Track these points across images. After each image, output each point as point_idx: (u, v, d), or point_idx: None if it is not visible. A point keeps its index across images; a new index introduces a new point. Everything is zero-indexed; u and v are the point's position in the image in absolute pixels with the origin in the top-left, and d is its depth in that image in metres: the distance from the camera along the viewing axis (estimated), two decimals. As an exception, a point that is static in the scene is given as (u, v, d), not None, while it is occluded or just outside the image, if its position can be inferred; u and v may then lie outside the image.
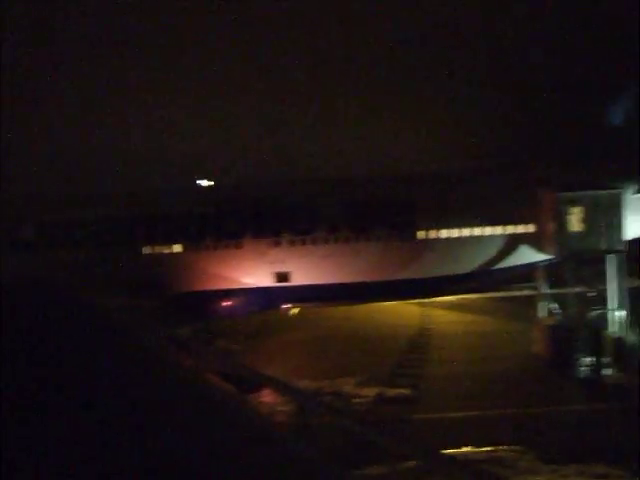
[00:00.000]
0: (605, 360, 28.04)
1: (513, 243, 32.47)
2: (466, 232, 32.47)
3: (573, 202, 30.53)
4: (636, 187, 32.21)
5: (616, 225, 30.54)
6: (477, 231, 32.46)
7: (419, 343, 34.06)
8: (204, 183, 39.71)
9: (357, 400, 25.72)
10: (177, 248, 33.82)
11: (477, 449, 19.92)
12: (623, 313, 31.11)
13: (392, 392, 26.52)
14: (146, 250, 34.14)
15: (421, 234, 32.51)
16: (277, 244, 32.56)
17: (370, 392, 26.42)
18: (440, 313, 39.09)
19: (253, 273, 32.90)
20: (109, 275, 31.37)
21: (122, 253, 33.55)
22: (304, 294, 32.46)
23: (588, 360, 28.11)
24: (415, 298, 35.84)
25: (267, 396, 22.05)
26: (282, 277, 32.56)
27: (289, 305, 33.70)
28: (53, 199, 41.11)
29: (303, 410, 9.43)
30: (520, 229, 32.56)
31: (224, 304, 33.27)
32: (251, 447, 5.88)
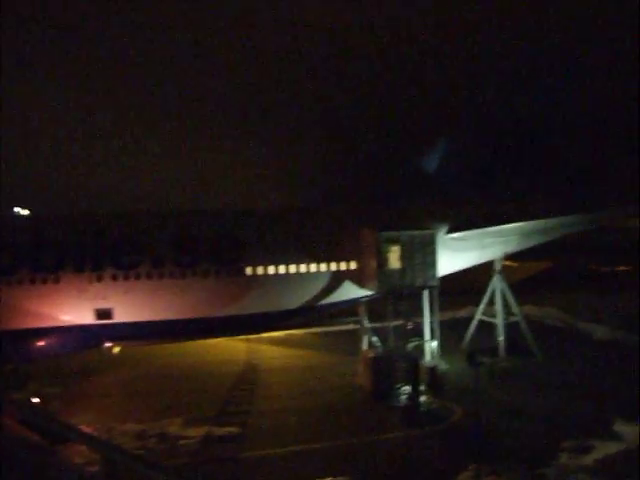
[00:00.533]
0: (421, 388, 32.30)
1: (337, 279, 36.42)
2: (292, 268, 35.73)
3: (392, 241, 35.37)
4: (447, 228, 39.30)
5: (431, 262, 35.92)
6: (303, 268, 35.86)
7: (246, 379, 35.92)
8: (21, 212, 40.57)
9: (183, 441, 26.71)
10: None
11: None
12: (435, 343, 37.55)
13: (220, 431, 27.78)
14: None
15: (248, 270, 35.17)
16: (99, 278, 33.47)
17: (197, 432, 27.67)
18: (266, 348, 41.66)
19: (72, 310, 33.36)
20: None
21: None
22: (128, 331, 33.52)
23: (407, 389, 32.10)
24: (242, 334, 38.58)
25: (80, 446, 23.42)
26: (104, 314, 33.37)
27: (111, 343, 34.48)
28: None
29: (114, 463, 10.16)
30: (344, 266, 36.72)
31: (39, 344, 33.25)
32: None
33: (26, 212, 40.20)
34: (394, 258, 35.54)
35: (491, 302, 40.37)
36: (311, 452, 25.75)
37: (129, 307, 34.02)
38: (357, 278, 36.85)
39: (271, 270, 35.71)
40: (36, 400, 31.11)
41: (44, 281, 33.72)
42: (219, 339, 39.58)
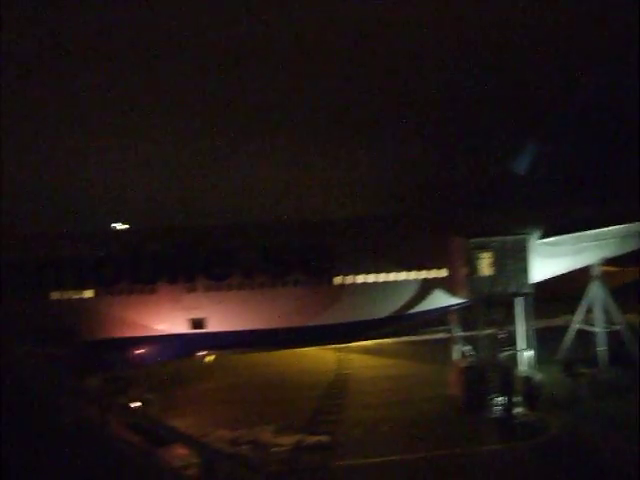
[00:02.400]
0: (516, 399, 31.95)
1: (427, 287, 36.73)
2: (382, 277, 36.45)
3: (483, 247, 35.39)
4: (539, 233, 38.50)
5: (523, 269, 35.51)
6: (392, 276, 36.58)
7: (337, 388, 37.18)
8: (119, 226, 43.37)
9: (275, 449, 27.84)
10: (88, 293, 36.09)
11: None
12: (531, 353, 36.66)
13: (311, 439, 28.79)
14: (55, 295, 36.91)
15: (337, 279, 36.09)
16: (192, 290, 35.38)
17: (288, 440, 28.71)
18: (357, 357, 42.52)
19: (168, 319, 35.47)
20: (17, 321, 33.24)
21: (31, 298, 36.06)
22: (220, 341, 35.29)
23: (500, 400, 31.98)
24: (332, 343, 39.54)
25: (179, 449, 24.88)
26: (197, 323, 35.26)
27: (205, 352, 36.37)
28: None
29: (212, 465, 10.01)
30: (434, 274, 37.02)
31: (137, 352, 35.53)
32: None
33: (125, 226, 42.74)
34: (485, 265, 35.36)
35: (589, 310, 38.95)
36: (404, 463, 26.10)
37: (221, 317, 35.64)
38: (447, 286, 36.90)
39: (360, 279, 36.37)
40: (137, 404, 32.77)
41: (141, 292, 35.68)
42: (309, 348, 40.25)
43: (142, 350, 36.13)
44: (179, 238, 37.56)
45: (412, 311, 37.14)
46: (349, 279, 36.48)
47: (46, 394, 14.28)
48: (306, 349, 40.59)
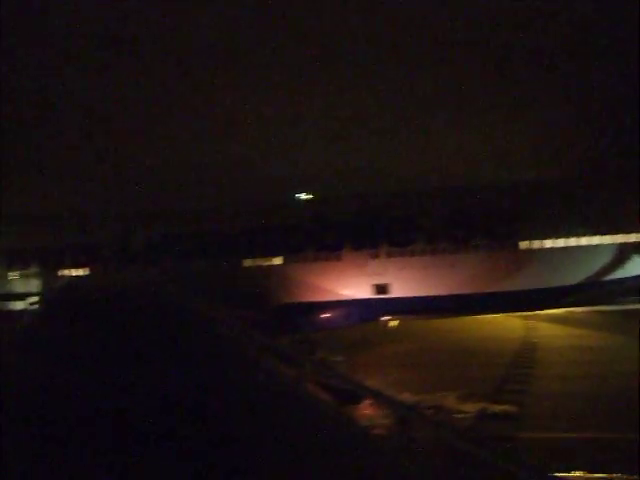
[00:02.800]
0: None
1: (624, 253, 34.37)
2: (572, 241, 34.74)
3: None
4: None
5: None
6: (584, 240, 34.68)
7: (523, 357, 36.13)
8: (303, 196, 45.35)
9: (459, 415, 28.72)
10: (277, 260, 39.25)
11: (589, 474, 22.12)
12: None
13: (496, 408, 28.86)
14: (248, 262, 40.34)
15: (524, 244, 34.96)
16: (376, 256, 36.62)
17: (472, 408, 28.42)
18: (545, 326, 40.31)
19: (352, 285, 36.95)
20: (214, 287, 36.23)
21: (225, 265, 39.81)
22: (403, 306, 35.95)
23: None
24: (518, 311, 38.42)
25: (366, 408, 25.61)
26: (381, 289, 36.43)
27: (388, 317, 37.22)
28: (162, 214, 49.01)
29: (404, 423, 9.81)
30: (632, 238, 34.58)
31: (323, 316, 37.65)
32: (349, 457, 7.65)
33: (308, 197, 44.55)
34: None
35: None
36: (595, 441, 24.49)
37: (404, 283, 36.07)
38: None
39: (548, 243, 34.60)
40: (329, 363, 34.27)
41: (327, 259, 37.18)
42: (494, 316, 39.24)
43: (328, 314, 37.83)
44: (362, 206, 38.39)
45: (607, 278, 34.80)
46: (536, 244, 35.11)
47: (244, 351, 15.52)
48: (490, 316, 39.51)
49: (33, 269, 44.74)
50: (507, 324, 40.52)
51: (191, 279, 37.39)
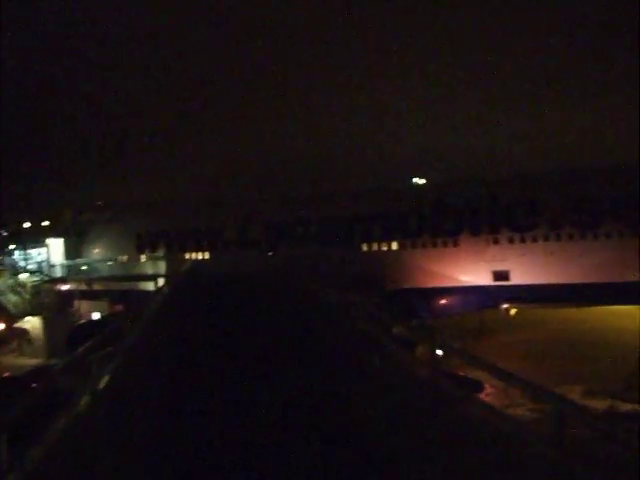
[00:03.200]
0: None
1: None
2: None
3: None
4: None
5: None
6: None
7: None
8: (419, 181, 45.14)
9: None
10: (394, 246, 39.54)
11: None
12: None
13: (625, 407, 27.30)
14: (365, 248, 40.67)
15: None
16: (495, 242, 35.84)
17: (599, 404, 27.01)
18: None
19: (470, 271, 36.42)
20: (331, 271, 37.90)
21: (342, 250, 40.16)
22: (524, 294, 34.88)
23: None
24: None
25: (489, 396, 25.06)
26: (501, 276, 35.58)
27: (508, 305, 36.37)
28: (281, 199, 50.62)
29: (558, 415, 10.58)
30: None
31: (440, 301, 37.45)
32: (485, 446, 7.09)
33: (422, 181, 44.29)
34: None
35: None
36: None
37: (526, 269, 34.97)
38: None
39: None
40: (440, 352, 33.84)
41: (444, 244, 36.77)
42: (622, 307, 36.93)
43: (445, 300, 37.43)
44: (480, 190, 37.52)
45: None
46: None
47: (359, 335, 15.05)
48: (617, 308, 37.22)
49: (161, 252, 47.64)
50: (633, 315, 38.07)
51: (308, 263, 38.33)
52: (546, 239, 34.69)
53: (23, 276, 49.43)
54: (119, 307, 43.60)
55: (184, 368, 13.05)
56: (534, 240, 34.96)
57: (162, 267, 46.17)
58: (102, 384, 10.93)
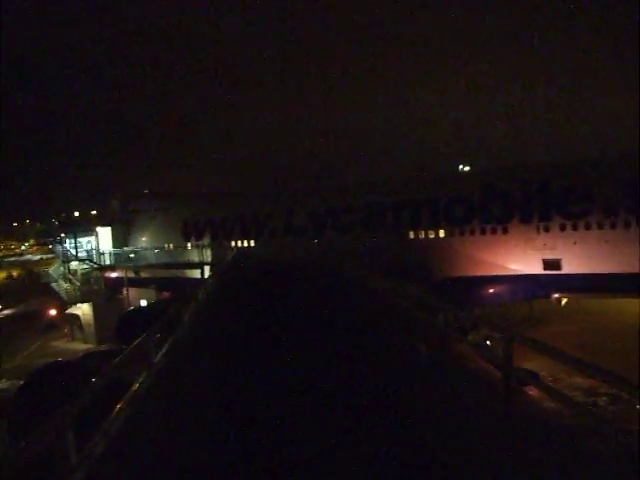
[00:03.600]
0: None
1: None
2: None
3: None
4: None
5: None
6: None
7: None
8: (465, 168, 44.37)
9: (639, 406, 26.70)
10: (441, 233, 38.81)
11: None
12: None
13: None
14: (411, 235, 40.24)
15: None
16: (546, 229, 34.81)
17: None
18: None
19: (520, 259, 35.54)
20: (377, 259, 37.61)
21: (389, 237, 39.85)
22: (577, 283, 33.79)
23: None
24: None
25: (533, 390, 24.60)
26: (552, 264, 34.62)
27: (559, 295, 35.48)
28: (325, 187, 50.57)
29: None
30: None
31: (488, 290, 36.68)
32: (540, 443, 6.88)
33: (467, 168, 43.60)
34: None
35: None
36: None
37: (578, 258, 33.98)
38: None
39: None
40: (488, 342, 33.31)
41: (493, 231, 36.04)
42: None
43: (493, 289, 36.74)
44: (530, 176, 36.49)
45: None
46: None
47: (401, 322, 14.99)
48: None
49: (207, 240, 48.21)
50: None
51: (354, 251, 38.09)
52: (600, 226, 33.43)
53: (73, 264, 50.66)
54: (166, 294, 44.38)
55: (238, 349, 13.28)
56: (587, 227, 33.75)
57: (208, 255, 46.70)
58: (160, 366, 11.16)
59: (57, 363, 22.12)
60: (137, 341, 10.38)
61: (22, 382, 20.21)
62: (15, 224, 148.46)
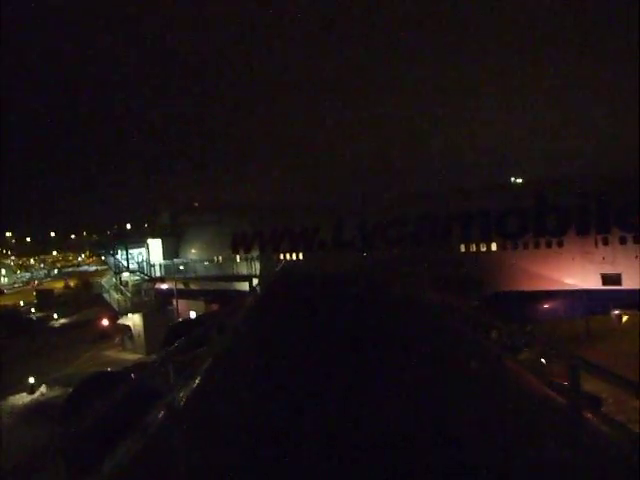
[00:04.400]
0: None
1: None
2: None
3: None
4: None
5: None
6: None
7: None
8: (518, 180, 43.14)
9: None
10: (494, 246, 37.73)
11: None
12: None
13: None
14: (463, 247, 38.98)
15: None
16: (605, 242, 33.29)
17: None
18: None
19: (577, 274, 34.10)
20: (426, 272, 36.76)
21: (439, 250, 38.89)
22: (638, 300, 31.70)
23: None
24: None
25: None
26: (611, 279, 33.01)
27: (619, 311, 33.67)
28: (374, 199, 50.09)
29: None
30: None
31: (544, 306, 35.28)
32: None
33: (519, 180, 42.54)
34: None
35: None
36: None
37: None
38: None
39: None
40: (543, 361, 32.02)
41: (548, 245, 34.87)
42: None
43: (548, 304, 35.43)
44: (586, 188, 35.04)
45: None
46: None
47: (450, 341, 14.54)
48: None
49: (255, 253, 48.24)
50: None
51: (404, 264, 37.39)
52: None
53: (125, 275, 51.49)
54: (215, 306, 44.47)
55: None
56: None
57: (256, 267, 46.67)
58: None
59: (104, 373, 22.24)
60: (167, 351, 10.27)
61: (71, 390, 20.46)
62: (73, 236, 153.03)
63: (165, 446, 8.08)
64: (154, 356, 39.32)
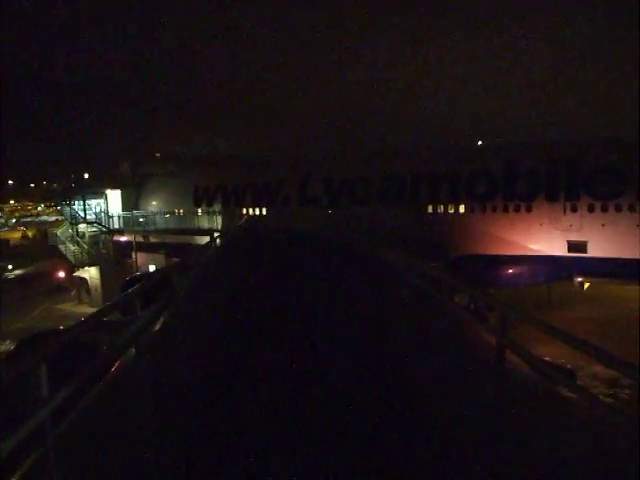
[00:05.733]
0: None
1: None
2: None
3: None
4: None
5: None
6: None
7: None
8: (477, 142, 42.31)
9: None
10: (461, 209, 37.00)
11: None
12: None
13: None
14: (429, 209, 38.18)
15: None
16: (573, 209, 32.76)
17: None
18: None
19: (543, 240, 33.65)
20: (392, 233, 35.25)
21: (405, 211, 38.23)
22: (602, 268, 31.93)
23: None
24: None
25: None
26: (577, 247, 32.68)
27: (582, 278, 33.50)
28: (341, 156, 48.88)
29: None
30: None
31: (507, 271, 34.84)
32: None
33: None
34: None
35: None
36: None
37: (606, 241, 32.11)
38: None
39: None
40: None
41: (516, 209, 34.35)
42: None
43: (513, 269, 35.06)
44: (558, 152, 34.36)
45: None
46: None
47: (422, 303, 14.24)
48: None
49: (217, 207, 46.97)
50: None
51: (367, 223, 36.67)
52: (632, 209, 31.37)
53: (82, 226, 49.77)
54: (175, 260, 43.27)
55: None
56: (618, 209, 31.71)
57: (218, 221, 45.58)
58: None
59: (46, 332, 21.34)
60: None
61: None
62: (32, 185, 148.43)
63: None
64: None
